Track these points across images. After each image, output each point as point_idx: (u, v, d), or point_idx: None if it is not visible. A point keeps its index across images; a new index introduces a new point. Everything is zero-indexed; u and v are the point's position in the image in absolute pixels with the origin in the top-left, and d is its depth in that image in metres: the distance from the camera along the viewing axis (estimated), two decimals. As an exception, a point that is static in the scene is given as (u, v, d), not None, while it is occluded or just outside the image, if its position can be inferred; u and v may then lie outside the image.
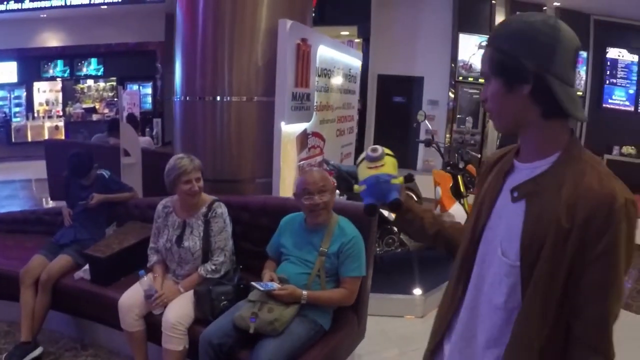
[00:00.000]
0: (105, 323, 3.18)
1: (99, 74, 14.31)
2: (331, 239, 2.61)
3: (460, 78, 10.70)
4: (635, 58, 10.83)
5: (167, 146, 12.49)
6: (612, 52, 10.90)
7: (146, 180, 5.12)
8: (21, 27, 12.35)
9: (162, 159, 3.48)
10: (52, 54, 13.51)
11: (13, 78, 13.27)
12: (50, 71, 13.89)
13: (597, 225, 1.03)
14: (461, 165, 5.07)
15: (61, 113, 13.76)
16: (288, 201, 3.30)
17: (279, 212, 3.01)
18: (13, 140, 12.97)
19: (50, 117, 13.53)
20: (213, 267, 2.86)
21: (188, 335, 2.65)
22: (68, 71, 14.01)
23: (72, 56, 13.80)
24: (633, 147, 10.58)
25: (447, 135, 10.98)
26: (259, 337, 2.38)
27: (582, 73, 10.88)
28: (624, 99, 10.97)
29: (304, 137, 4.23)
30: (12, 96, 13.28)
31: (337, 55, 4.97)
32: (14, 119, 13.22)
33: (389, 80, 11.43)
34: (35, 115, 13.45)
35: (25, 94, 13.47)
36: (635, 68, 10.86)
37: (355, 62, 5.81)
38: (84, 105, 14.07)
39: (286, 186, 3.92)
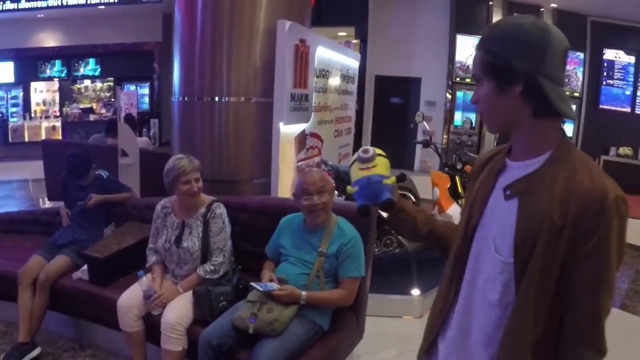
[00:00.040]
0: (104, 323, 3.17)
1: (96, 74, 14.31)
2: (330, 240, 2.61)
3: (458, 79, 10.72)
4: (632, 59, 10.88)
5: (165, 146, 12.48)
6: (609, 54, 10.94)
7: (144, 181, 5.11)
8: (18, 27, 12.34)
9: (160, 159, 3.49)
10: (49, 54, 13.50)
11: (10, 78, 13.26)
12: (48, 71, 13.88)
13: (589, 221, 1.06)
14: (459, 166, 5.08)
15: (58, 113, 13.75)
16: (286, 202, 3.30)
17: (278, 212, 3.01)
18: (10, 140, 12.95)
19: (47, 117, 13.50)
20: (212, 268, 2.87)
21: (187, 335, 2.65)
22: (65, 71, 14.00)
23: (70, 56, 13.80)
24: (630, 148, 10.62)
25: (445, 136, 11.01)
26: (258, 337, 2.38)
27: (579, 74, 10.93)
28: (621, 100, 11.01)
29: (302, 138, 4.23)
30: (9, 96, 13.27)
31: (335, 56, 4.98)
32: (11, 119, 13.21)
33: (387, 81, 11.46)
34: (32, 115, 13.42)
35: (22, 94, 13.46)
36: (631, 69, 10.91)
37: (353, 63, 5.82)
38: (81, 106, 14.05)
39: (284, 187, 3.92)
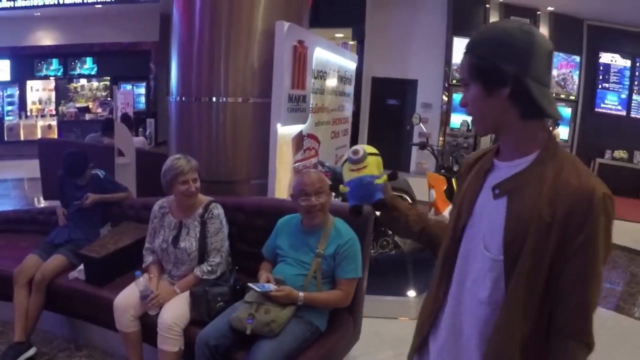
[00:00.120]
0: (100, 324, 3.17)
1: (93, 73, 14.24)
2: (327, 241, 2.62)
3: (454, 81, 10.74)
4: (627, 63, 10.92)
5: (161, 146, 12.46)
6: (605, 57, 10.99)
7: (140, 181, 5.11)
8: (14, 25, 12.28)
9: (157, 159, 3.48)
10: (45, 53, 13.43)
11: (6, 76, 13.18)
12: (44, 70, 13.82)
13: (577, 219, 1.09)
14: (455, 168, 5.10)
15: (54, 112, 13.69)
16: (284, 203, 3.31)
17: (275, 213, 3.01)
18: (5, 138, 12.89)
19: (43, 116, 13.45)
20: (209, 268, 2.87)
21: (184, 336, 2.65)
22: (61, 70, 13.94)
23: (66, 55, 13.72)
24: (625, 151, 10.67)
25: (441, 138, 11.03)
26: (255, 338, 2.39)
27: (575, 77, 10.97)
28: (617, 103, 11.07)
29: (299, 139, 4.23)
30: (5, 94, 13.18)
31: (332, 58, 4.98)
32: (6, 118, 13.13)
33: (383, 82, 11.47)
34: (28, 114, 13.37)
35: (18, 92, 13.38)
36: (627, 73, 10.95)
37: (351, 65, 5.83)
38: (77, 105, 13.98)
39: (281, 188, 3.93)
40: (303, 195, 2.61)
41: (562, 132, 10.84)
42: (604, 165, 10.61)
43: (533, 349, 1.16)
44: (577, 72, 11.07)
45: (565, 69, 11.04)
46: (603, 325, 4.06)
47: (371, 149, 1.51)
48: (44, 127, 13.17)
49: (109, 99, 13.99)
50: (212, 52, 3.86)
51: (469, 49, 1.21)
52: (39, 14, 12.23)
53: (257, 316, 2.39)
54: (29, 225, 4.21)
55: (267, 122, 3.81)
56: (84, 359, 3.26)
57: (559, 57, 10.97)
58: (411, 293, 4.03)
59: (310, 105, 4.32)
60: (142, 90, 14.52)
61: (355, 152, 1.47)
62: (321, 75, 4.64)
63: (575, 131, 11.12)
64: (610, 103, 11.06)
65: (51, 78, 13.82)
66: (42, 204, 6.97)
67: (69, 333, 3.47)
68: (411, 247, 4.52)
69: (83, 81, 14.32)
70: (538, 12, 10.68)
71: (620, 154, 10.67)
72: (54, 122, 13.33)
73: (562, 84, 11.07)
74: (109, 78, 14.26)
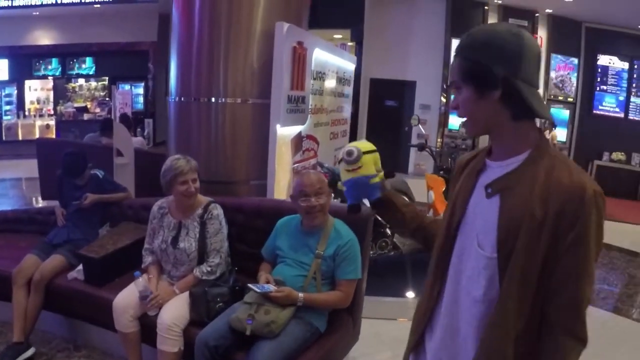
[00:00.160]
0: (99, 324, 3.16)
1: (91, 73, 14.23)
2: (327, 242, 2.62)
3: (453, 83, 10.74)
4: (625, 65, 10.95)
5: (159, 146, 12.46)
6: (603, 59, 11.02)
7: (139, 181, 5.10)
8: (13, 24, 12.26)
9: (155, 159, 3.47)
10: (44, 52, 13.41)
11: (4, 76, 13.16)
12: (42, 69, 13.80)
13: (569, 216, 1.11)
14: (454, 170, 5.09)
15: (52, 112, 13.66)
16: (283, 203, 3.31)
17: (274, 214, 3.01)
18: (3, 138, 12.87)
19: (41, 115, 13.42)
20: (208, 269, 2.86)
21: (183, 336, 2.64)
22: (60, 70, 13.92)
23: (64, 55, 13.71)
24: (623, 153, 10.70)
25: (439, 140, 11.04)
26: (255, 339, 2.39)
27: (573, 79, 10.99)
28: (614, 105, 11.09)
29: (298, 140, 4.24)
30: (3, 94, 13.15)
31: (331, 59, 4.99)
32: (4, 117, 13.10)
33: (381, 84, 11.47)
34: (26, 113, 13.34)
35: (16, 92, 13.36)
36: (625, 75, 10.98)
37: (349, 66, 5.84)
38: (76, 105, 13.97)
39: (280, 188, 3.93)
40: (303, 196, 2.61)
41: (560, 134, 10.86)
42: (601, 167, 10.64)
43: (526, 346, 1.18)
44: (575, 74, 11.09)
45: (563, 71, 11.07)
46: (602, 327, 4.07)
47: (367, 146, 1.50)
48: (42, 126, 13.14)
49: (107, 99, 13.98)
50: (211, 52, 3.86)
51: (460, 51, 1.23)
52: (37, 13, 12.22)
53: (256, 317, 2.39)
54: (27, 225, 4.20)
55: (266, 123, 3.82)
56: (83, 359, 3.25)
57: (557, 59, 11.00)
58: (410, 294, 4.04)
59: (309, 107, 4.32)
60: (141, 91, 14.50)
61: (350, 154, 1.46)
62: (320, 76, 4.64)
63: (573, 133, 11.14)
64: (608, 105, 11.10)
65: (49, 78, 13.80)
66: (40, 203, 6.95)
67: (67, 333, 3.46)
68: (410, 248, 4.53)
69: (81, 81, 14.30)
70: (536, 14, 10.71)
71: (618, 155, 10.69)
72: (52, 122, 13.30)
73: (560, 86, 11.09)
74: (107, 78, 14.25)
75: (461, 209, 1.31)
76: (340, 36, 11.36)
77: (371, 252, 4.32)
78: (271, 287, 2.48)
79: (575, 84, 11.12)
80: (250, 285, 2.51)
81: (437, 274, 1.37)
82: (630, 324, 4.28)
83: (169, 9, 4.13)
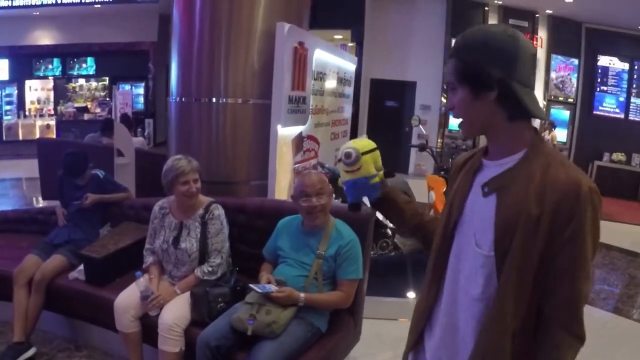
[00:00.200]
0: (100, 324, 3.16)
1: (91, 73, 14.24)
2: (328, 242, 2.62)
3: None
4: (625, 66, 10.96)
5: (159, 147, 12.46)
6: (603, 60, 11.03)
7: (139, 181, 5.10)
8: (13, 24, 12.28)
9: (156, 159, 3.47)
10: (44, 52, 13.43)
11: (4, 76, 13.18)
12: (42, 69, 13.80)
13: (565, 212, 1.12)
14: (455, 170, 5.09)
15: (53, 112, 13.67)
16: (284, 204, 3.31)
17: (276, 214, 3.01)
18: (4, 138, 12.88)
19: (41, 115, 13.44)
20: (210, 269, 2.86)
21: (184, 336, 2.64)
22: (60, 70, 13.93)
23: (65, 55, 13.73)
24: (623, 154, 10.70)
25: (439, 140, 11.05)
26: (256, 339, 2.39)
27: (573, 80, 11.00)
28: (615, 106, 11.10)
29: (299, 140, 4.23)
30: (4, 94, 13.17)
31: (332, 59, 4.99)
32: (5, 117, 13.11)
33: (382, 84, 11.48)
34: (27, 113, 13.36)
35: (16, 91, 13.38)
36: (625, 76, 10.99)
37: (350, 66, 5.83)
38: (76, 105, 13.99)
39: (281, 189, 3.93)
40: (304, 196, 2.61)
41: (561, 135, 10.87)
42: (602, 168, 10.65)
43: (524, 343, 1.19)
44: (576, 75, 11.11)
45: (563, 72, 11.08)
46: (602, 327, 4.08)
47: (366, 146, 1.49)
48: (42, 126, 13.15)
49: (107, 99, 13.99)
50: (212, 52, 3.85)
51: (455, 53, 1.23)
52: (37, 13, 12.23)
53: (258, 317, 2.39)
54: (28, 225, 4.20)
55: (267, 123, 3.81)
56: (84, 359, 3.25)
57: (557, 60, 11.01)
58: (411, 294, 4.04)
59: (310, 107, 4.32)
60: (141, 91, 14.52)
61: (348, 156, 1.45)
62: (321, 76, 4.64)
63: (573, 134, 11.15)
64: (609, 106, 11.10)
65: (50, 78, 13.83)
66: (41, 203, 6.95)
67: (68, 333, 3.46)
68: (411, 249, 4.53)
69: (81, 81, 14.33)
70: (537, 15, 10.72)
71: (618, 156, 10.70)
72: (52, 122, 13.32)
73: (561, 86, 11.10)
74: (107, 78, 14.27)
75: (458, 209, 1.32)
76: (340, 37, 11.37)
77: (372, 253, 4.32)
78: (272, 288, 2.48)
79: (575, 85, 11.13)
80: (251, 285, 2.51)
81: (435, 273, 1.38)
82: (630, 325, 4.28)
83: (169, 9, 4.12)
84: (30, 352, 3.14)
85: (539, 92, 11.12)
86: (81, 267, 3.25)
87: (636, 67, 10.93)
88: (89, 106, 14.15)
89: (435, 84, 10.99)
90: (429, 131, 10.55)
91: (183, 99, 4.02)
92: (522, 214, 1.15)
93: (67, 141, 8.67)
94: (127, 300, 2.80)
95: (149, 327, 2.76)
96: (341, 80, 5.40)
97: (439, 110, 11.06)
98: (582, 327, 1.16)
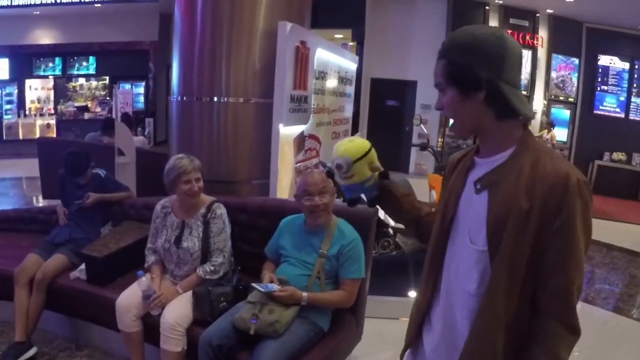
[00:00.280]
0: (101, 323, 3.16)
1: (92, 72, 14.24)
2: (331, 241, 2.61)
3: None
4: (626, 65, 10.96)
5: (159, 146, 12.45)
6: (604, 60, 11.02)
7: (140, 180, 5.09)
8: (13, 23, 12.27)
9: (157, 158, 3.46)
10: (44, 52, 13.42)
11: (5, 75, 13.18)
12: (43, 69, 13.80)
13: (554, 203, 1.14)
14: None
15: (53, 111, 13.67)
16: (286, 203, 3.31)
17: (278, 213, 3.01)
18: (4, 137, 12.87)
19: (42, 114, 13.43)
20: (212, 268, 2.86)
21: (186, 336, 2.64)
22: (60, 69, 13.93)
23: (65, 54, 13.73)
24: (623, 153, 10.70)
25: (440, 139, 11.04)
26: (259, 338, 2.38)
27: (574, 80, 10.99)
28: (615, 105, 11.10)
29: (301, 140, 4.23)
30: (4, 93, 13.16)
31: (333, 58, 4.99)
32: (5, 116, 13.11)
33: (383, 83, 11.47)
34: (27, 112, 13.36)
35: (16, 91, 13.37)
36: (626, 75, 10.99)
37: (351, 66, 5.83)
38: (76, 104, 13.98)
39: (282, 188, 3.92)
40: (306, 195, 2.61)
41: (561, 134, 10.86)
42: (602, 167, 10.65)
43: (517, 334, 1.20)
44: (576, 75, 11.10)
45: (564, 71, 11.07)
46: (603, 327, 4.07)
47: (358, 151, 1.46)
48: (42, 126, 13.14)
49: (107, 98, 13.98)
50: (213, 51, 3.85)
51: (444, 53, 1.26)
52: (37, 12, 12.23)
53: (260, 316, 2.39)
54: (29, 225, 4.19)
55: (269, 123, 3.81)
56: (85, 359, 3.25)
57: (557, 59, 11.00)
58: (412, 293, 4.03)
59: (312, 106, 4.32)
60: (141, 90, 14.51)
61: (339, 167, 1.46)
62: (322, 75, 4.64)
63: (574, 133, 11.15)
64: (609, 105, 11.10)
65: (50, 77, 13.82)
66: (41, 203, 6.94)
67: (69, 333, 3.45)
68: (412, 248, 4.52)
69: (82, 80, 14.32)
70: (537, 15, 10.71)
71: (619, 156, 10.70)
72: (52, 121, 13.31)
73: (561, 86, 11.10)
74: (107, 77, 14.27)
75: (453, 206, 1.34)
76: (341, 36, 11.36)
77: (374, 252, 4.32)
78: (275, 287, 2.47)
79: (576, 84, 11.13)
80: (254, 284, 2.51)
81: (432, 269, 1.41)
82: (631, 324, 4.28)
83: (169, 8, 4.12)
84: (31, 351, 3.14)
85: (539, 91, 11.11)
86: (82, 266, 3.25)
87: (637, 67, 10.93)
88: (89, 105, 14.15)
89: (436, 83, 10.98)
90: (430, 130, 10.53)
91: (184, 98, 4.02)
92: (512, 209, 1.17)
93: (68, 140, 8.68)
94: (129, 299, 2.80)
95: (150, 326, 2.75)
96: (342, 80, 5.40)
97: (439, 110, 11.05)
98: (575, 318, 1.17)
